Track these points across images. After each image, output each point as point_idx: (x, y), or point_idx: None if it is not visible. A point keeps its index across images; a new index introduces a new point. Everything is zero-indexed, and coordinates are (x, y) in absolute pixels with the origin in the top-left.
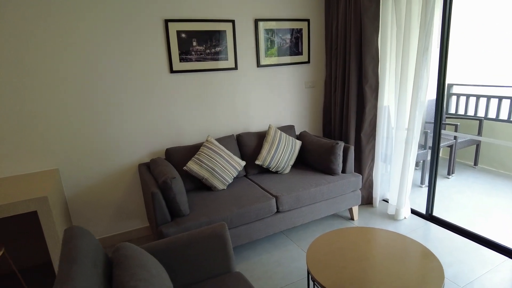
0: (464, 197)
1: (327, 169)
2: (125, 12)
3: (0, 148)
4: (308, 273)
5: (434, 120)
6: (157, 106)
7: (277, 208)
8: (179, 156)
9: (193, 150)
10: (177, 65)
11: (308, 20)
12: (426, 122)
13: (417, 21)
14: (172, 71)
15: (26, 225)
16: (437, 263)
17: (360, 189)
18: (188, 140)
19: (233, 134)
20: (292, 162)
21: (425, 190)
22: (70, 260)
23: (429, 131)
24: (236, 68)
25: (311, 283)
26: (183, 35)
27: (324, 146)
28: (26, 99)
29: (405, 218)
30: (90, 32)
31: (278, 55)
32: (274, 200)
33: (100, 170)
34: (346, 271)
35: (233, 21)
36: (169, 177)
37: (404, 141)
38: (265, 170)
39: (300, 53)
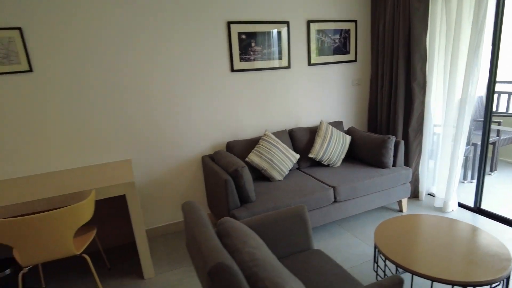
0: (510, 192)
1: (378, 163)
2: (193, 17)
3: (87, 141)
4: (376, 252)
5: (484, 117)
6: (219, 103)
7: (335, 198)
8: (239, 148)
9: (251, 144)
10: (238, 64)
11: (355, 21)
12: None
13: (467, 20)
14: (232, 70)
15: (107, 208)
16: (502, 247)
17: (409, 182)
18: (246, 134)
19: (285, 129)
20: (343, 156)
21: (468, 185)
22: (203, 225)
23: (472, 127)
24: (289, 66)
25: (377, 266)
26: (243, 36)
27: (375, 140)
28: (115, 99)
29: (453, 210)
30: (164, 40)
31: (327, 54)
32: (332, 190)
33: (167, 161)
34: (415, 250)
35: (288, 23)
36: (240, 166)
37: (453, 137)
38: (316, 163)
39: (348, 52)
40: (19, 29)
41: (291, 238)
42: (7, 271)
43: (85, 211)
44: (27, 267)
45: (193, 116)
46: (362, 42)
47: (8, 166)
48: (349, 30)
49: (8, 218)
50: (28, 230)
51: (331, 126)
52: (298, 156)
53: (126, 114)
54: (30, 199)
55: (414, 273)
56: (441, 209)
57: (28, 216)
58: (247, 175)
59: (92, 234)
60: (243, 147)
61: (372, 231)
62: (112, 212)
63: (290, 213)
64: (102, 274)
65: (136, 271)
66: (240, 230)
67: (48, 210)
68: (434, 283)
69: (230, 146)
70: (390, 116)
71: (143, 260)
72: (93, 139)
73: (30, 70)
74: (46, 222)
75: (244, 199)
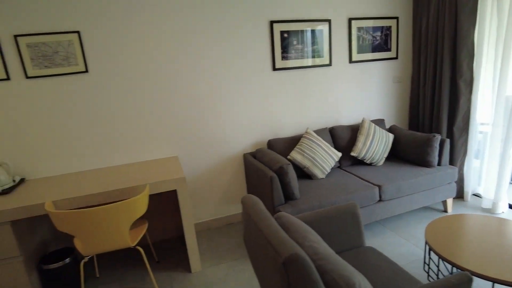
0: None
1: (422, 162)
2: (237, 18)
3: (137, 138)
4: (426, 252)
5: None
6: (260, 101)
7: (380, 197)
8: (280, 146)
9: (292, 142)
10: (279, 62)
11: (397, 18)
12: None
13: None
14: (274, 68)
15: (153, 204)
16: None
17: (455, 181)
18: (286, 132)
19: (326, 127)
20: (386, 154)
21: None
22: (267, 218)
23: None
24: (330, 64)
25: (428, 267)
26: (285, 35)
27: (419, 138)
28: (164, 99)
29: (503, 212)
30: (211, 43)
31: (368, 52)
32: (377, 189)
33: (210, 158)
34: (471, 250)
35: (329, 21)
36: (285, 163)
37: (502, 136)
38: (358, 162)
39: (389, 49)
40: (78, 32)
41: (343, 235)
42: (67, 260)
43: (141, 204)
44: (87, 256)
45: (235, 115)
46: (403, 39)
47: (66, 162)
48: (390, 27)
49: (72, 209)
50: (91, 221)
51: (373, 124)
52: (340, 154)
53: (173, 113)
54: (91, 192)
55: (475, 274)
56: (490, 210)
57: (93, 208)
58: (291, 173)
59: (145, 227)
60: (284, 145)
61: (417, 230)
62: (159, 207)
63: (341, 210)
64: (151, 266)
65: (182, 264)
66: (297, 225)
67: (106, 203)
68: (495, 284)
69: (271, 144)
70: (433, 114)
71: (191, 254)
72: (142, 137)
73: (86, 71)
74: (108, 214)
75: (288, 196)
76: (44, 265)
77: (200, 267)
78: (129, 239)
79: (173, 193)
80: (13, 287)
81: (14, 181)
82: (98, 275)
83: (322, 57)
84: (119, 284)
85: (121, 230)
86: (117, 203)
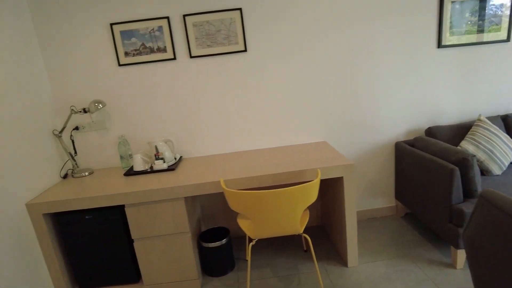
0: None
1: None
2: None
3: (287, 120)
4: None
5: None
6: (419, 83)
7: None
8: (444, 135)
9: (457, 130)
10: (447, 39)
11: None
12: None
13: None
14: (440, 45)
15: None
16: None
17: None
18: (446, 119)
19: (497, 115)
20: None
21: None
22: None
23: None
24: (508, 40)
25: None
26: (457, 6)
27: None
28: (315, 82)
29: None
30: (366, 19)
31: None
32: None
33: (358, 145)
34: None
35: None
36: (469, 155)
37: None
38: None
39: None
40: (240, 9)
41: None
42: (224, 240)
43: (315, 189)
44: (255, 239)
45: (388, 99)
46: None
47: (219, 142)
48: None
49: (245, 189)
50: (268, 204)
51: None
52: None
53: (324, 96)
54: (256, 174)
55: None
56: None
57: (272, 190)
58: (476, 166)
59: (308, 214)
60: (449, 134)
61: None
62: None
63: None
64: (300, 256)
65: (333, 257)
66: None
67: (273, 186)
68: None
69: (432, 132)
70: None
71: (350, 248)
72: (292, 119)
73: (245, 50)
74: (285, 198)
75: (468, 193)
76: (204, 243)
77: (357, 262)
78: (299, 225)
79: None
80: (181, 260)
81: (175, 158)
82: (247, 258)
83: (499, 31)
84: (271, 269)
85: (295, 215)
86: (297, 186)
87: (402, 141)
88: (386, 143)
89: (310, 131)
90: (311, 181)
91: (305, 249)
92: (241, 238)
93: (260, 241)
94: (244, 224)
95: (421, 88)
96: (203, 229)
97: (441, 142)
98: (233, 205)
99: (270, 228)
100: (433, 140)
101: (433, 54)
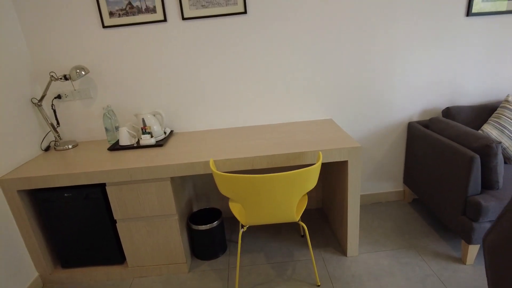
0: None
1: None
2: None
3: (290, 94)
4: None
5: None
6: (440, 56)
7: None
8: (463, 116)
9: (480, 111)
10: (479, 5)
11: None
12: None
13: None
14: (469, 13)
15: None
16: None
17: None
18: (468, 99)
19: None
20: None
21: None
22: None
23: None
24: None
25: None
26: None
27: None
28: (320, 53)
29: None
30: None
31: None
32: None
33: (366, 124)
34: None
35: None
36: (494, 142)
37: None
38: None
39: None
40: None
41: None
42: (215, 223)
43: (314, 175)
44: (246, 226)
45: (404, 73)
46: None
47: (214, 116)
48: None
49: (235, 172)
50: (262, 189)
51: None
52: None
53: (333, 68)
54: (251, 155)
55: None
56: None
57: (267, 175)
58: (500, 154)
59: (306, 201)
60: (469, 116)
61: None
62: None
63: None
64: (296, 241)
65: (332, 244)
66: None
67: (269, 169)
68: None
69: (451, 113)
70: None
71: (350, 236)
72: (295, 93)
73: (245, 12)
74: (281, 183)
75: (487, 185)
76: (194, 225)
77: (357, 252)
78: (295, 213)
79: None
80: (167, 243)
81: (165, 133)
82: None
83: None
84: (264, 255)
85: (291, 203)
86: (292, 172)
87: (415, 121)
88: (398, 122)
89: (315, 107)
90: (311, 165)
91: (302, 234)
92: (236, 219)
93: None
94: (235, 209)
95: (442, 62)
96: (195, 209)
97: (460, 125)
98: (223, 189)
99: (263, 216)
100: (451, 122)
101: (460, 23)
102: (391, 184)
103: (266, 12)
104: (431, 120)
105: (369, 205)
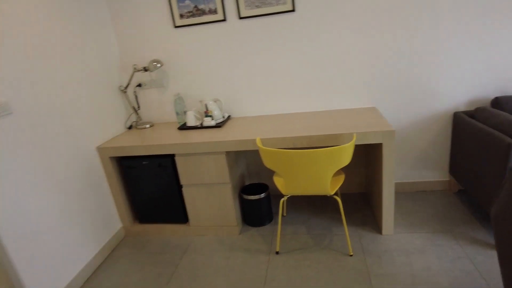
0: None
1: None
2: None
3: (335, 83)
4: None
5: None
6: (492, 42)
7: None
8: None
9: None
10: None
11: None
12: None
13: None
14: None
15: None
16: None
17: None
18: None
19: None
20: None
21: None
22: None
23: None
24: None
25: None
26: None
27: None
28: (366, 43)
29: None
30: None
31: None
32: None
33: (412, 113)
34: None
35: None
36: None
37: None
38: None
39: None
40: None
41: None
42: (262, 195)
43: (347, 154)
44: (287, 196)
45: (452, 61)
46: None
47: (266, 103)
48: None
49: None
50: (297, 163)
51: None
52: None
53: (375, 55)
54: (297, 134)
55: None
56: None
57: (301, 150)
58: None
59: (342, 178)
60: None
61: None
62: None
63: None
64: (336, 219)
65: (369, 223)
66: None
67: (310, 147)
68: None
69: (499, 103)
70: None
71: (385, 215)
72: (340, 82)
73: (293, 10)
74: (314, 158)
75: None
76: (244, 195)
77: (392, 231)
78: (329, 187)
79: (363, 146)
80: (222, 207)
81: (223, 117)
82: (285, 214)
83: None
84: (305, 227)
85: (324, 177)
86: (325, 149)
87: (462, 112)
88: (444, 112)
89: (359, 95)
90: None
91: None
92: (281, 195)
93: (300, 201)
94: (278, 181)
95: (493, 49)
96: (247, 183)
97: (505, 114)
98: (266, 161)
99: (300, 186)
100: (496, 111)
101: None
102: (436, 173)
103: (312, 9)
104: (477, 109)
105: (413, 192)
